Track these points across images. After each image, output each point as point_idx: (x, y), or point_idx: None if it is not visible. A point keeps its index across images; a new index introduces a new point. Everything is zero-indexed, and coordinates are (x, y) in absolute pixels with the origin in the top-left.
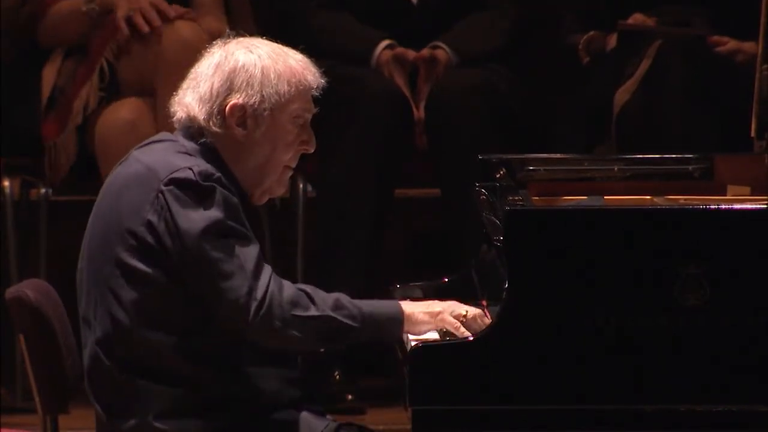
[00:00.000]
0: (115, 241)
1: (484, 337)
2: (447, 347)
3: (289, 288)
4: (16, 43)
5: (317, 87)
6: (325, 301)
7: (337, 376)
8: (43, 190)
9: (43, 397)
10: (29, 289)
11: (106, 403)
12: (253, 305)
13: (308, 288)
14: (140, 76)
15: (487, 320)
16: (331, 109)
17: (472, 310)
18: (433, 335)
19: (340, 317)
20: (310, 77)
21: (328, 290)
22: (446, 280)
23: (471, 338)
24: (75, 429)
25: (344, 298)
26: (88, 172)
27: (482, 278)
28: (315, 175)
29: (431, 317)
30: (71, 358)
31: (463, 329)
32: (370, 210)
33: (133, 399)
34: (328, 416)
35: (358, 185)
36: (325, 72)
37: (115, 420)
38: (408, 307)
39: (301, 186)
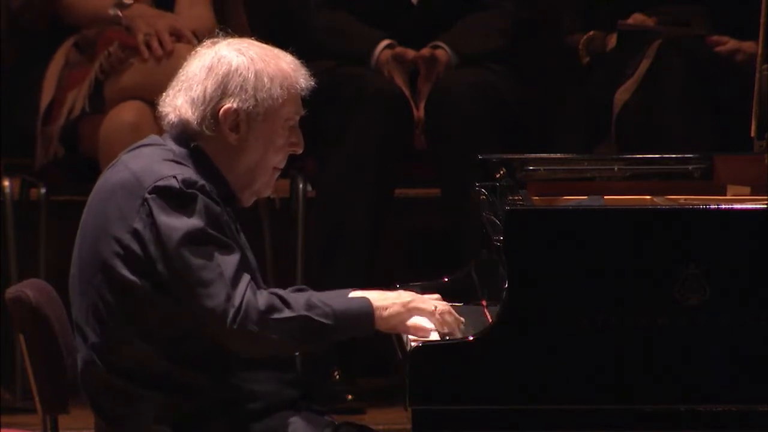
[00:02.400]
0: (103, 248)
1: (484, 337)
2: (447, 347)
3: (263, 294)
4: (19, 44)
5: (307, 89)
6: (297, 302)
7: (337, 376)
8: (43, 190)
9: (43, 397)
10: (29, 289)
11: (103, 409)
12: (231, 312)
13: (280, 291)
14: (125, 97)
15: (454, 313)
16: (331, 109)
17: (440, 307)
18: (433, 335)
19: (314, 316)
20: (301, 80)
21: (329, 290)
22: (446, 280)
23: (471, 338)
24: (75, 429)
25: (315, 297)
26: (88, 172)
27: (482, 278)
28: (315, 175)
29: (402, 307)
30: (71, 358)
31: (439, 309)
32: (370, 210)
33: (129, 405)
34: (327, 416)
35: (358, 185)
36: (325, 72)
37: (114, 426)
38: (376, 300)
39: (301, 186)
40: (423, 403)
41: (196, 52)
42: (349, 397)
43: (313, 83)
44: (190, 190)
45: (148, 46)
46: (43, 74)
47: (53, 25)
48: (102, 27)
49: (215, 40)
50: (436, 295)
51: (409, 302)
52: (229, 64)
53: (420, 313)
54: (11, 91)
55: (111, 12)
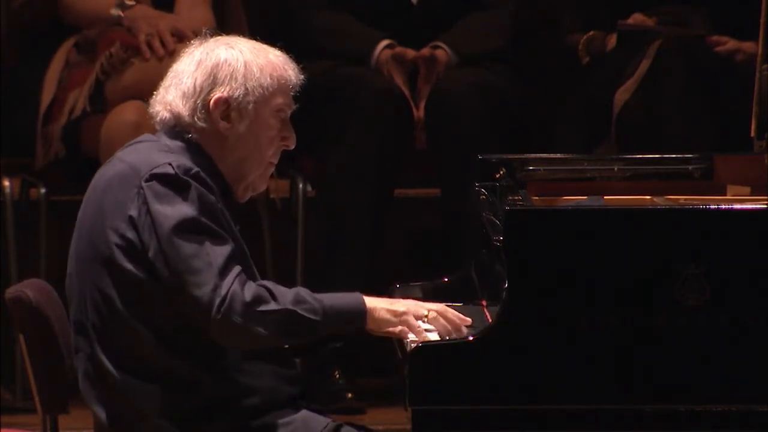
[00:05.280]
0: (101, 240)
1: (484, 337)
2: (447, 347)
3: (250, 285)
4: (19, 43)
5: (297, 83)
6: (285, 296)
7: (337, 376)
8: (43, 190)
9: (43, 397)
10: (29, 289)
11: (105, 405)
12: (216, 301)
13: (269, 283)
14: (126, 96)
15: (450, 315)
16: (331, 109)
17: (433, 311)
18: (433, 335)
19: (300, 311)
20: (291, 72)
21: (329, 290)
22: (446, 280)
23: (471, 338)
24: (75, 429)
25: (304, 291)
26: (89, 172)
27: (482, 278)
28: (315, 175)
29: (394, 316)
30: (71, 358)
31: (425, 334)
32: (370, 210)
33: (131, 400)
34: (327, 416)
35: (358, 185)
36: (325, 72)
37: (115, 422)
38: (371, 302)
39: (301, 186)
40: (423, 403)
41: (184, 52)
42: (349, 396)
43: (303, 78)
44: (185, 177)
45: (150, 46)
46: (43, 74)
47: (53, 25)
48: (103, 27)
49: (203, 39)
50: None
51: (402, 313)
52: (218, 56)
53: (409, 328)
54: (11, 91)
55: (113, 13)
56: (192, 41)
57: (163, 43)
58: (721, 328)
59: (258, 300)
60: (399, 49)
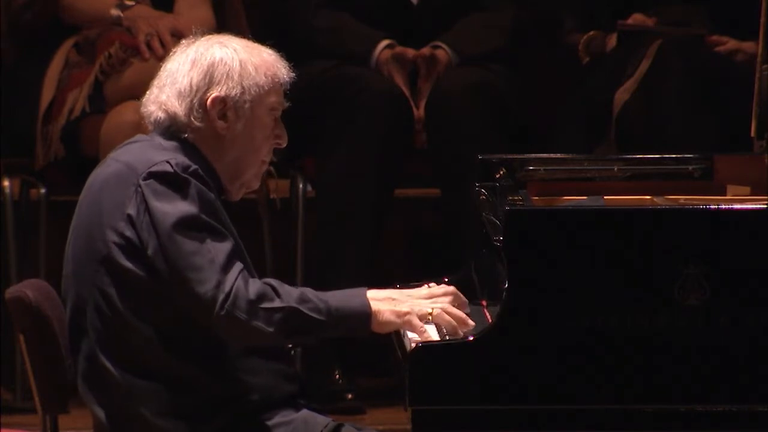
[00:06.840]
0: (98, 239)
1: (484, 337)
2: (447, 347)
3: (255, 282)
4: (19, 42)
5: (288, 82)
6: (290, 294)
7: (337, 376)
8: (43, 190)
9: (43, 397)
10: (29, 289)
11: (106, 405)
12: (220, 298)
13: (274, 282)
14: (125, 97)
15: (454, 312)
16: (331, 109)
17: (437, 309)
18: (434, 335)
19: (305, 310)
20: (283, 71)
21: (328, 291)
22: (446, 280)
23: (471, 338)
24: (75, 429)
25: (310, 291)
26: (89, 172)
27: (482, 278)
28: (315, 175)
29: (398, 317)
30: (71, 358)
31: (427, 333)
32: (370, 210)
33: (131, 399)
34: (327, 416)
35: (358, 185)
36: (325, 72)
37: (115, 421)
38: (376, 304)
39: (301, 186)
40: (423, 403)
41: (174, 52)
42: (349, 396)
43: (293, 76)
44: (184, 174)
45: (150, 47)
46: (43, 74)
47: (53, 25)
48: (103, 27)
49: (193, 39)
50: (441, 288)
51: (405, 313)
52: (213, 55)
53: (412, 328)
54: (11, 91)
55: (113, 13)
56: (183, 41)
57: (162, 43)
58: (721, 328)
59: (262, 297)
60: (399, 49)
